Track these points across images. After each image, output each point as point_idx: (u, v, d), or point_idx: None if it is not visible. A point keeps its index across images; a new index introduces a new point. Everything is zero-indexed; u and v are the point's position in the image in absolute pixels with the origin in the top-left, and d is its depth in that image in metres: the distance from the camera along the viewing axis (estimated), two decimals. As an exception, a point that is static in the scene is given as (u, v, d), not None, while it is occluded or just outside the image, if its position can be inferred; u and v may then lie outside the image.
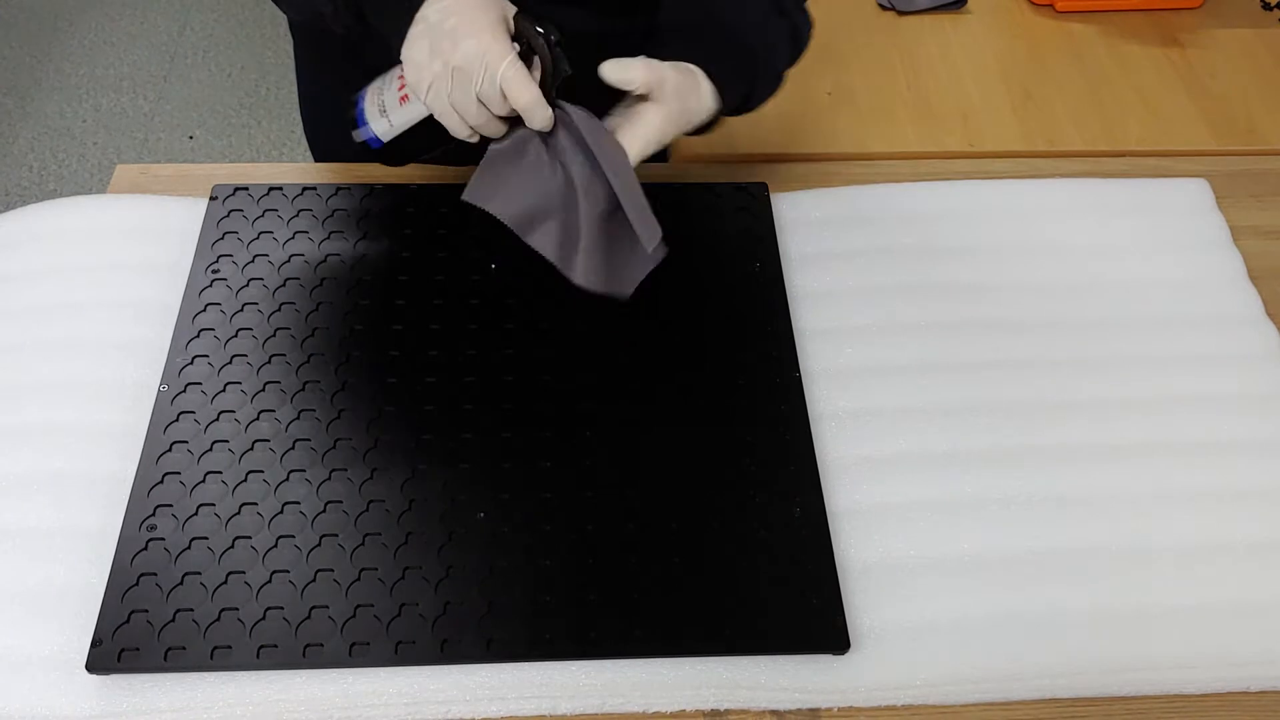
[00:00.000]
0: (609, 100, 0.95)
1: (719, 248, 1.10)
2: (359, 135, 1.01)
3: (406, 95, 0.96)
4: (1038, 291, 1.11)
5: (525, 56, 0.88)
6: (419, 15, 0.88)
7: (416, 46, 0.88)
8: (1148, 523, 0.94)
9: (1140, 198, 1.21)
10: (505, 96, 0.87)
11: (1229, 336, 1.08)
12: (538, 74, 0.88)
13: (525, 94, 0.87)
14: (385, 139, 1.00)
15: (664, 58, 0.94)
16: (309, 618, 0.85)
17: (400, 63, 0.92)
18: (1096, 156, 1.28)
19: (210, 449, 0.94)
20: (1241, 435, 1.01)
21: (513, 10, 0.89)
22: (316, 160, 1.32)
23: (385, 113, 0.98)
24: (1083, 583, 0.91)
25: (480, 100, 0.88)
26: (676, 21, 1.02)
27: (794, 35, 1.05)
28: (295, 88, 1.33)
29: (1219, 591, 0.90)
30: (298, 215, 1.13)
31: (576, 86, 0.91)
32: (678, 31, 1.00)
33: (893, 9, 1.50)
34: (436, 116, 0.91)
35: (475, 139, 0.92)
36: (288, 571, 0.87)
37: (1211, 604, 0.90)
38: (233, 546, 0.89)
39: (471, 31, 0.86)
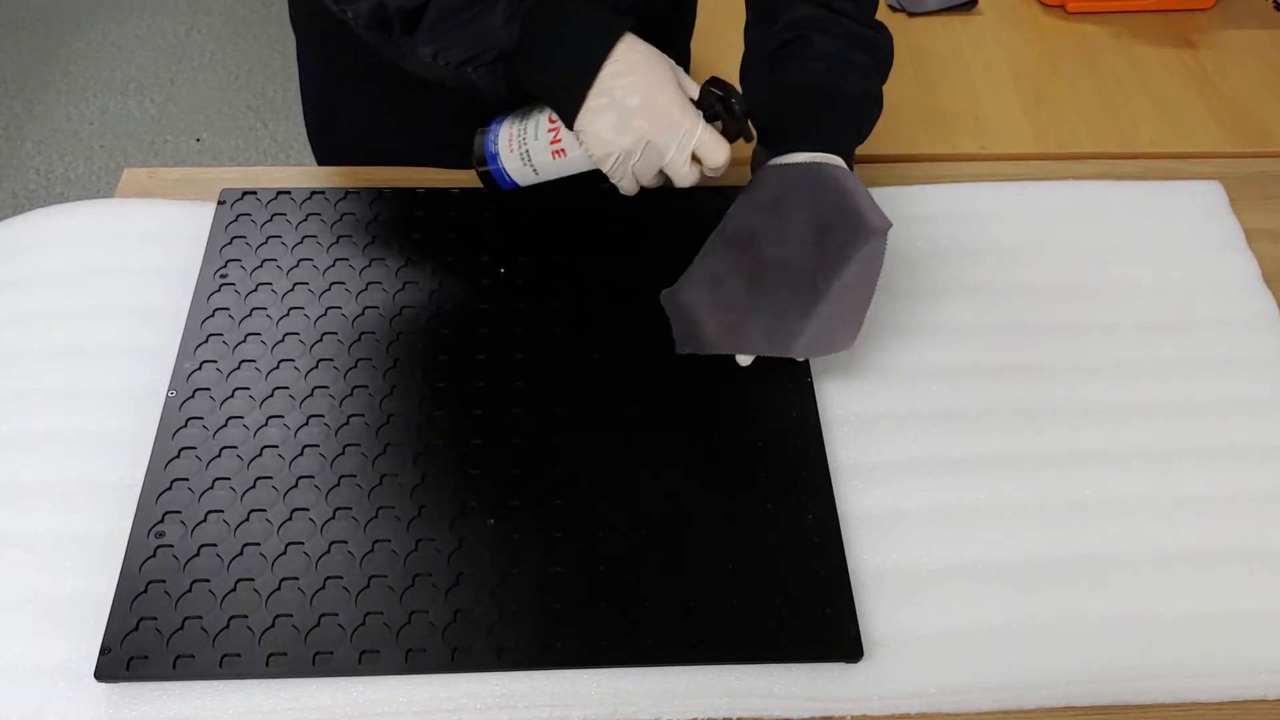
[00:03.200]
0: None
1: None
2: (484, 168, 1.02)
3: (563, 150, 0.97)
4: (1050, 294, 1.10)
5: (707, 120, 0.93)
6: (598, 89, 0.90)
7: (601, 121, 0.90)
8: (1163, 528, 0.94)
9: (1153, 200, 1.20)
10: (697, 161, 0.92)
11: (1243, 340, 1.07)
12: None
13: (721, 157, 0.91)
14: (523, 184, 1.02)
15: (789, 148, 0.99)
16: (318, 625, 0.85)
17: (540, 112, 0.97)
18: (1108, 159, 1.27)
19: (219, 455, 0.94)
20: (1257, 439, 1.00)
21: (682, 74, 0.93)
22: (320, 162, 1.32)
23: (529, 161, 1.00)
24: (1098, 589, 0.90)
25: (663, 169, 0.93)
26: (784, 105, 1.03)
27: (879, 64, 1.06)
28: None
29: (1236, 598, 0.90)
30: (306, 220, 1.12)
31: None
32: (790, 114, 1.02)
33: (903, 10, 1.50)
34: (613, 180, 0.95)
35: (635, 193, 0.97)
36: (297, 579, 0.87)
37: (1228, 611, 0.89)
38: (241, 553, 0.88)
39: (663, 108, 0.90)
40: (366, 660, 0.83)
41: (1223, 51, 1.44)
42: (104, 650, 0.83)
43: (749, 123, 0.95)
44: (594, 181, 1.00)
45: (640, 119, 0.90)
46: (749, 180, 1.02)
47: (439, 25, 0.91)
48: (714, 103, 0.93)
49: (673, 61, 0.93)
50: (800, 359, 1.00)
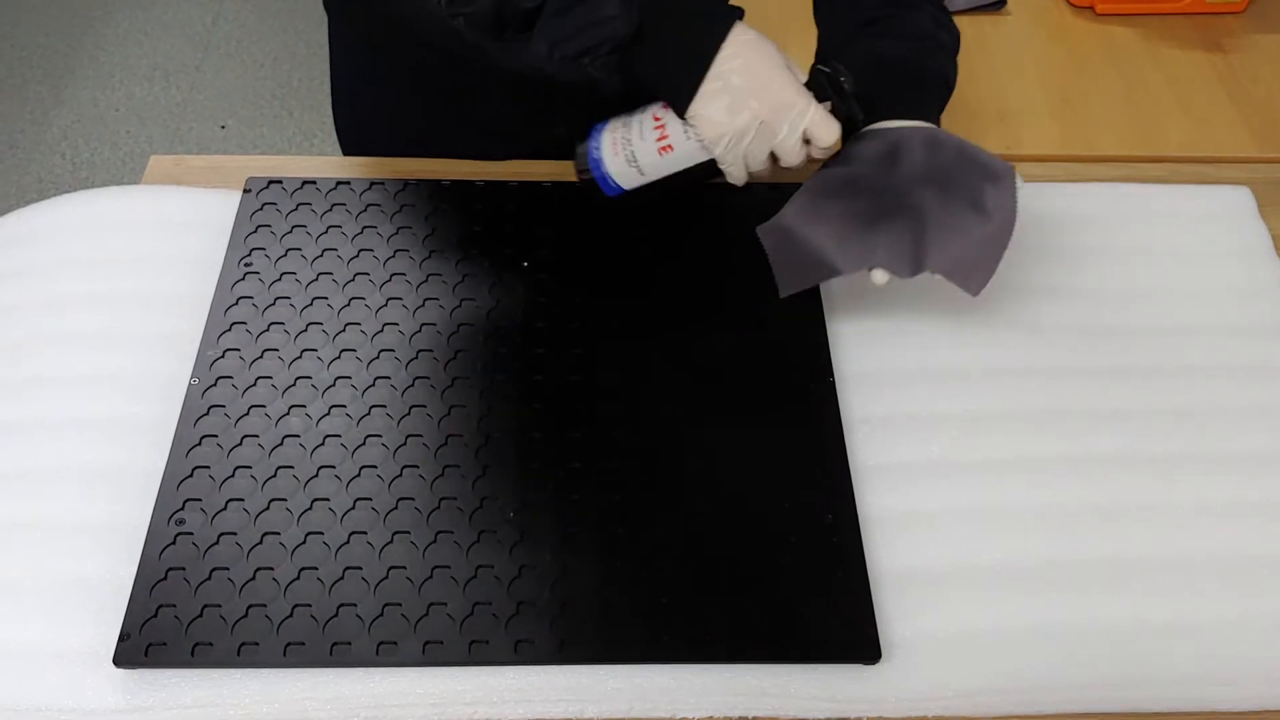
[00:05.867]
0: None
1: (753, 249, 1.09)
2: (588, 175, 1.04)
3: (669, 146, 0.99)
4: (1075, 298, 1.10)
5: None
6: (713, 74, 0.93)
7: (715, 104, 0.93)
8: (1185, 535, 0.93)
9: (1180, 205, 1.19)
10: (809, 142, 0.95)
11: (1270, 346, 1.07)
12: None
13: (831, 136, 0.94)
14: (629, 187, 1.04)
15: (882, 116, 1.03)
16: (337, 616, 0.85)
17: (642, 113, 1.00)
18: (1135, 162, 1.27)
19: (240, 443, 0.94)
20: (1282, 448, 0.99)
21: (790, 60, 0.95)
22: (344, 150, 1.32)
23: (635, 162, 1.01)
24: (1118, 594, 0.89)
25: (773, 150, 0.95)
26: (876, 75, 1.05)
27: (954, 48, 1.11)
28: (327, 79, 1.32)
29: (1258, 606, 0.89)
30: (331, 209, 1.12)
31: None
32: (882, 84, 1.04)
33: (930, 9, 1.49)
34: (724, 165, 0.97)
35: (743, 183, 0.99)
36: (316, 569, 0.87)
37: (1250, 618, 0.88)
38: (261, 542, 0.88)
39: (776, 89, 0.93)
40: (384, 652, 0.83)
41: (1254, 55, 1.43)
42: (123, 636, 0.83)
43: (857, 105, 0.97)
44: (697, 180, 1.02)
45: (754, 99, 0.92)
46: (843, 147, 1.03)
47: (555, 21, 0.93)
48: (824, 83, 0.95)
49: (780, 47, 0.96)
50: (933, 272, 1.00)
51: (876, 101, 1.02)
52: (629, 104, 1.02)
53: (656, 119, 1.00)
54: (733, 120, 0.93)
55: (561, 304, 1.05)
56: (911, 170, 1.00)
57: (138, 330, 1.03)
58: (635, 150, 1.01)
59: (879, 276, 1.00)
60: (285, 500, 0.91)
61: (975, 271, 1.00)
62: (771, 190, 1.14)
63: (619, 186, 1.04)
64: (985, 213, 0.99)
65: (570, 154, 1.05)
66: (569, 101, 1.06)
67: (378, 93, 1.23)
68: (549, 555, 0.89)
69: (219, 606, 0.85)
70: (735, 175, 0.98)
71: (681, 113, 0.95)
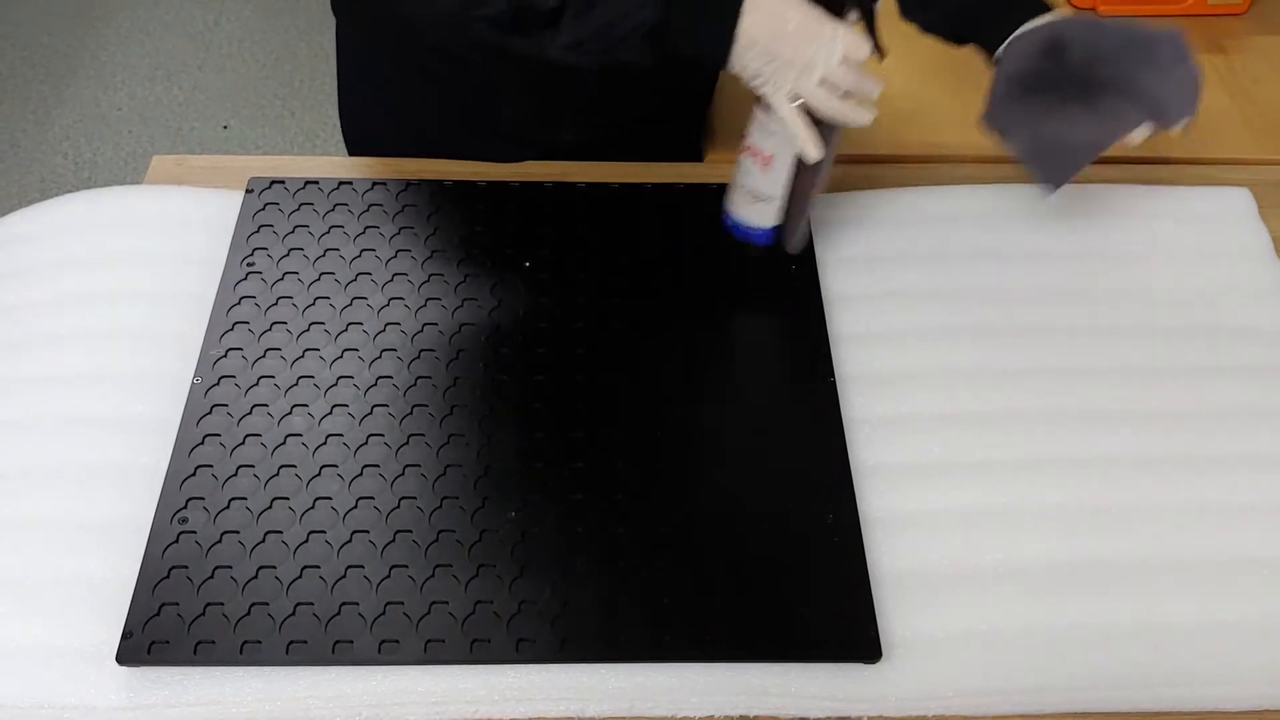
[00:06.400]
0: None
1: (753, 251, 1.09)
2: (745, 240, 1.08)
3: (762, 154, 1.02)
4: (1077, 298, 1.10)
5: None
6: (740, 31, 0.94)
7: (749, 58, 0.95)
8: (1185, 535, 0.93)
9: (1181, 206, 1.19)
10: (847, 58, 0.95)
11: (1270, 347, 1.07)
12: None
13: (864, 49, 0.96)
14: (775, 222, 1.06)
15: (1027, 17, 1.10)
16: (339, 614, 0.85)
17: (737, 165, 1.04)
18: (1137, 163, 1.27)
19: (243, 442, 0.94)
20: (1282, 449, 0.99)
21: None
22: (350, 150, 1.32)
23: (759, 196, 1.04)
24: (1118, 595, 0.90)
25: (823, 81, 0.96)
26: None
27: None
28: (330, 80, 1.33)
29: (1258, 607, 0.89)
30: (333, 210, 1.13)
31: None
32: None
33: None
34: (787, 121, 0.97)
35: (819, 157, 0.99)
36: (318, 567, 0.87)
37: (1251, 619, 0.89)
38: (264, 541, 0.89)
39: (799, 26, 0.95)
40: (386, 650, 0.84)
41: (1255, 57, 1.43)
42: (126, 634, 0.83)
43: (876, 37, 1.01)
44: (820, 172, 1.02)
45: (784, 44, 0.95)
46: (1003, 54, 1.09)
47: (582, 17, 0.95)
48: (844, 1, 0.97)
49: None
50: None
51: (1014, 6, 1.10)
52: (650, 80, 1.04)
53: (742, 150, 1.02)
54: (769, 66, 0.95)
55: (563, 304, 1.05)
56: (1083, 55, 1.07)
57: (140, 329, 1.04)
58: (748, 185, 1.04)
59: (1137, 136, 1.07)
60: (288, 499, 0.91)
61: (1184, 101, 1.07)
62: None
63: (764, 227, 1.07)
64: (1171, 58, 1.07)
65: (576, 156, 1.05)
66: (576, 104, 1.07)
67: (384, 93, 1.24)
68: (550, 554, 0.89)
69: (221, 605, 0.85)
70: (800, 133, 0.97)
71: (723, 65, 0.96)
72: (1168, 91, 1.07)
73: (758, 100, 1.00)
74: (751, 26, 0.94)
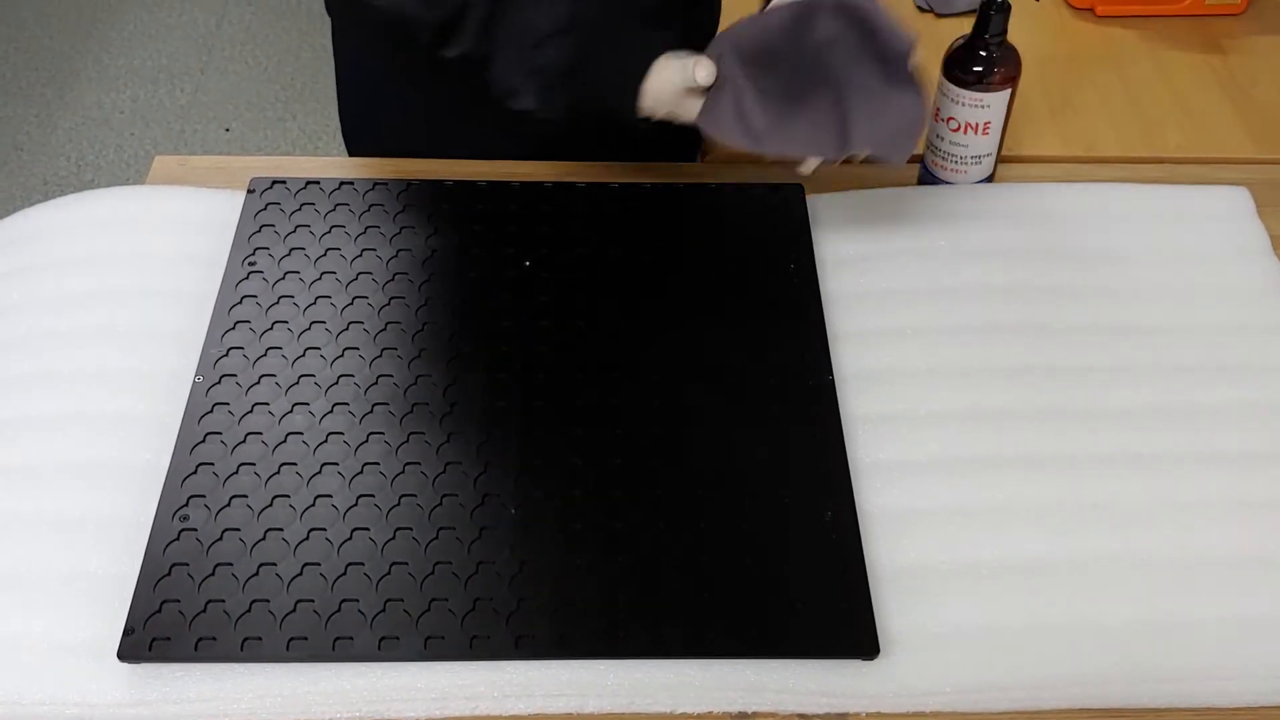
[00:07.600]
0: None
1: (753, 249, 1.10)
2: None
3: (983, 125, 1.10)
4: (1074, 297, 1.10)
5: None
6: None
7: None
8: (1183, 532, 0.93)
9: (1179, 205, 1.20)
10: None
11: (1267, 346, 1.07)
12: None
13: (703, 72, 1.01)
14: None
15: None
16: (339, 611, 0.85)
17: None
18: (1135, 163, 1.27)
19: (244, 440, 0.95)
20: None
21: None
22: (350, 151, 1.33)
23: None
24: (1116, 592, 0.90)
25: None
26: None
27: None
28: (331, 81, 1.33)
29: (1255, 603, 0.89)
30: (335, 209, 1.13)
31: None
32: None
33: (931, 11, 1.50)
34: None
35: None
36: (319, 564, 0.88)
37: (1247, 616, 0.89)
38: (264, 538, 0.89)
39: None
40: (386, 646, 0.84)
41: (1253, 57, 1.43)
42: (127, 631, 0.84)
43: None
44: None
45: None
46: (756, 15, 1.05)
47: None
48: None
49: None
50: (859, 150, 1.04)
51: None
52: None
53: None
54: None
55: (563, 303, 1.06)
56: (825, 36, 1.01)
57: (142, 328, 1.04)
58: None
59: (807, 168, 1.05)
60: (288, 496, 0.91)
61: (899, 141, 1.03)
62: (771, 191, 1.16)
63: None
64: (899, 80, 1.01)
65: (577, 155, 1.06)
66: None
67: (383, 93, 1.24)
68: (550, 551, 0.89)
69: (222, 601, 0.86)
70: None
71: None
72: (881, 120, 1.03)
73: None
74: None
